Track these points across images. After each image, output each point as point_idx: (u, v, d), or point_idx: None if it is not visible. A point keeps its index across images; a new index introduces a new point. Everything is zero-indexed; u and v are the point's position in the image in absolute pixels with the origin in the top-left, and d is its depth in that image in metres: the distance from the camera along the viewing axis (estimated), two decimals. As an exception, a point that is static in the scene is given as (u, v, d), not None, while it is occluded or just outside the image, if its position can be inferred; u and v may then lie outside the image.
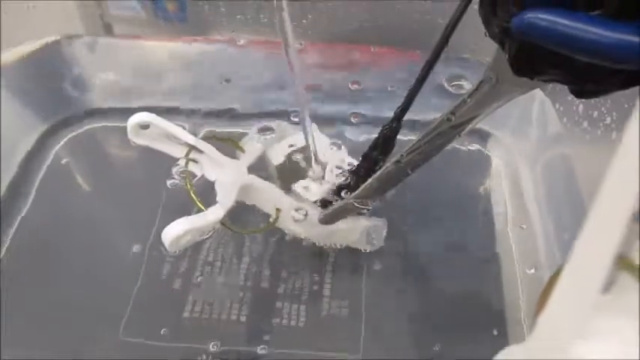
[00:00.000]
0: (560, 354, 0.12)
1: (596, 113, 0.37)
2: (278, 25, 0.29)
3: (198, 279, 0.40)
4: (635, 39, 0.19)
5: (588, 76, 0.21)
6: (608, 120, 0.35)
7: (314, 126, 0.41)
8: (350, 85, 0.48)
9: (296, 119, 0.45)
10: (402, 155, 0.31)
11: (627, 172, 0.11)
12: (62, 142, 0.47)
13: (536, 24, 0.20)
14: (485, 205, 0.45)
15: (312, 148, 0.35)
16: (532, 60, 0.22)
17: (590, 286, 0.12)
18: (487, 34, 0.23)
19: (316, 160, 0.38)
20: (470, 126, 0.29)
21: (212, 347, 0.37)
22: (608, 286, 0.13)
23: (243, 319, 0.38)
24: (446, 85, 0.46)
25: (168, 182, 0.44)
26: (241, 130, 0.46)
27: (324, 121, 0.45)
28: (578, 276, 0.12)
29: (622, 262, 0.12)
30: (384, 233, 0.40)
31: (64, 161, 0.46)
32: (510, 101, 0.27)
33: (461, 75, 0.46)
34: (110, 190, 0.45)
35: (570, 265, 0.12)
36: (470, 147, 0.48)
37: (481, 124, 0.47)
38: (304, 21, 0.46)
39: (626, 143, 0.11)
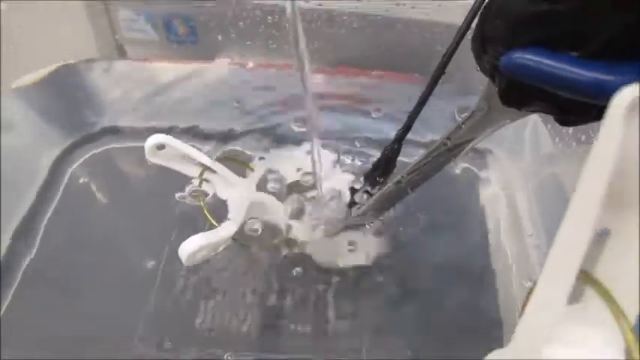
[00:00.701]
0: (534, 355, 0.14)
1: (584, 137, 0.39)
2: (296, 59, 0.31)
3: (210, 292, 0.42)
4: (608, 78, 0.21)
5: (569, 109, 0.24)
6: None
7: (320, 147, 0.44)
8: (354, 107, 0.50)
9: (302, 129, 0.47)
10: (402, 176, 0.34)
11: (587, 200, 0.13)
12: (80, 161, 0.50)
13: (522, 63, 0.22)
14: (481, 220, 0.47)
15: (317, 173, 0.38)
16: (519, 93, 0.24)
17: (558, 299, 0.14)
18: (478, 68, 0.26)
19: (321, 182, 0.40)
20: (465, 149, 0.31)
21: (226, 357, 0.38)
22: (575, 298, 0.15)
23: (252, 330, 0.40)
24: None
25: (181, 200, 0.46)
26: (251, 150, 0.48)
27: (329, 142, 0.48)
28: (547, 290, 0.14)
29: (586, 277, 0.15)
30: (383, 250, 0.42)
31: (81, 179, 0.49)
32: (502, 127, 0.30)
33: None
34: (126, 206, 0.48)
35: (541, 280, 0.14)
36: (466, 165, 0.50)
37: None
38: (310, 47, 0.49)
39: (585, 173, 0.13)
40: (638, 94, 0.12)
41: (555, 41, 0.22)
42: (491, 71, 0.25)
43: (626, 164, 0.13)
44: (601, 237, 0.15)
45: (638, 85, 0.13)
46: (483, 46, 0.24)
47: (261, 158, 0.46)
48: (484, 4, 0.25)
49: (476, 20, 0.25)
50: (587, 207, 0.13)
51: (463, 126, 0.30)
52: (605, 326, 0.14)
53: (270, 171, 0.43)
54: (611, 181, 0.13)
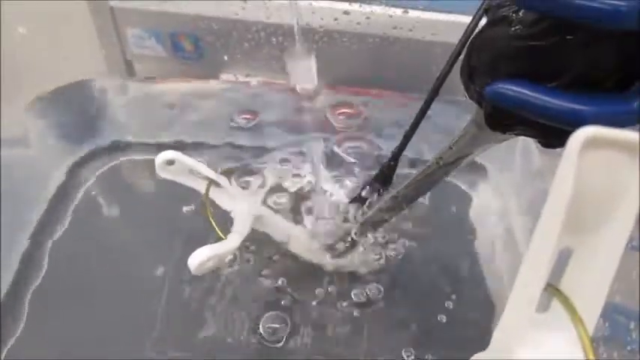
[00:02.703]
0: (507, 357, 0.17)
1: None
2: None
3: (217, 300, 0.44)
4: (582, 108, 0.23)
5: (549, 134, 0.26)
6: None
7: (320, 165, 0.46)
8: (354, 124, 0.53)
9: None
10: (398, 191, 0.36)
11: (550, 223, 0.15)
12: (90, 174, 0.52)
13: (504, 94, 0.24)
14: (474, 232, 0.49)
15: (317, 188, 0.40)
16: (503, 119, 0.27)
17: (528, 307, 0.16)
18: (466, 95, 0.28)
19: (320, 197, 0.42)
20: (456, 167, 0.34)
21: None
22: (544, 307, 0.17)
23: (257, 336, 0.42)
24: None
25: (188, 212, 0.48)
26: (255, 164, 0.50)
27: (329, 159, 0.51)
28: (519, 300, 0.16)
29: (552, 289, 0.17)
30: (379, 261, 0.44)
31: (93, 193, 0.51)
32: (490, 147, 0.32)
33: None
34: (135, 218, 0.50)
35: (513, 291, 0.17)
36: (460, 178, 0.52)
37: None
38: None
39: (548, 200, 0.15)
40: (591, 134, 0.15)
41: (535, 73, 0.24)
42: (478, 99, 0.27)
43: (583, 194, 0.15)
44: (565, 255, 0.17)
45: (593, 126, 0.15)
46: (470, 76, 0.26)
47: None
48: (472, 36, 0.27)
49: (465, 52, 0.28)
50: (550, 229, 0.15)
51: (453, 147, 0.32)
52: (568, 331, 0.16)
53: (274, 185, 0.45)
54: (572, 208, 0.15)
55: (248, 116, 0.53)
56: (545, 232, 0.15)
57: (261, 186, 0.45)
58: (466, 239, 0.48)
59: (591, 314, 0.16)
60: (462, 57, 0.28)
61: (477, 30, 0.27)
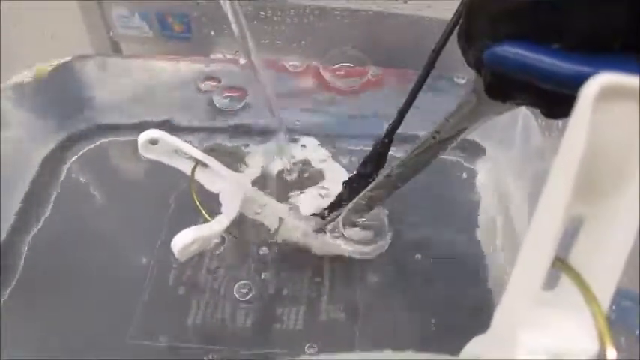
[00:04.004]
0: (510, 340, 0.15)
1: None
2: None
3: (203, 285, 0.42)
4: (588, 70, 0.21)
5: (553, 101, 0.24)
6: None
7: (314, 141, 0.44)
8: (346, 103, 0.51)
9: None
10: (392, 169, 0.34)
11: (559, 188, 0.13)
12: (74, 157, 0.50)
13: (505, 56, 0.22)
14: (474, 214, 0.47)
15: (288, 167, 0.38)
16: (504, 86, 0.25)
17: (533, 284, 0.14)
18: (465, 62, 0.26)
19: (313, 173, 0.40)
20: (454, 142, 0.32)
21: (216, 351, 0.39)
22: (552, 284, 0.16)
23: (245, 323, 0.40)
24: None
25: (174, 195, 0.46)
26: (244, 145, 0.48)
27: (322, 138, 0.49)
28: (522, 276, 0.15)
29: (561, 264, 0.15)
30: (377, 243, 0.42)
31: (75, 175, 0.49)
32: (489, 120, 0.30)
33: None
34: (120, 201, 0.48)
35: (517, 266, 0.15)
36: (458, 159, 0.50)
37: (469, 136, 0.50)
38: (303, 42, 0.49)
39: (557, 161, 0.14)
40: (607, 82, 0.13)
41: (537, 34, 0.22)
42: (477, 65, 0.25)
43: (596, 153, 0.13)
44: (576, 224, 0.15)
45: (607, 74, 0.13)
46: (468, 40, 0.25)
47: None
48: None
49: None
50: (558, 195, 0.13)
51: (451, 120, 0.30)
52: (579, 311, 0.14)
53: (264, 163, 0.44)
54: (583, 170, 0.13)
55: (234, 93, 0.51)
56: (554, 198, 0.13)
57: (251, 167, 0.43)
58: (466, 221, 0.47)
59: (605, 291, 0.14)
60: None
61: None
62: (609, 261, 0.14)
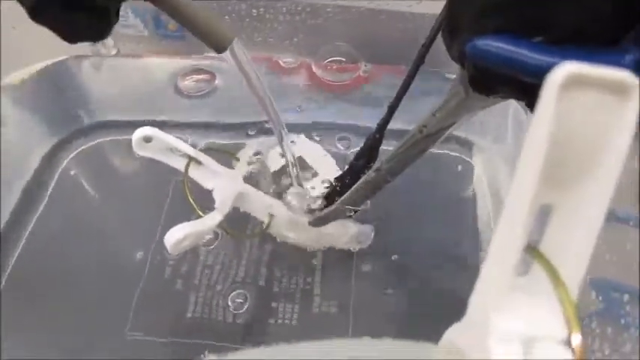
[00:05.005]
0: (483, 325, 0.15)
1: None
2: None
3: (199, 281, 0.42)
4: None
5: (537, 94, 0.24)
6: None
7: (304, 137, 0.45)
8: (338, 98, 0.51)
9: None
10: (381, 163, 0.34)
11: (526, 176, 0.14)
12: (71, 155, 0.50)
13: (487, 50, 0.23)
14: (469, 209, 0.47)
15: (292, 161, 0.38)
16: (487, 80, 0.25)
17: (505, 271, 0.15)
18: (450, 56, 0.26)
19: (305, 170, 0.40)
20: (442, 136, 0.32)
21: (212, 345, 0.39)
22: (525, 270, 0.16)
23: (240, 317, 0.41)
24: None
25: (169, 191, 0.47)
26: (237, 142, 0.49)
27: (314, 133, 0.49)
28: (495, 263, 0.15)
29: (532, 251, 0.15)
30: (372, 236, 0.43)
31: (72, 172, 0.49)
32: (477, 114, 0.30)
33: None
34: (116, 198, 0.48)
35: (489, 254, 0.15)
36: (453, 154, 0.50)
37: (462, 132, 0.50)
38: (295, 39, 0.50)
39: (524, 150, 0.14)
40: (573, 72, 0.13)
41: (522, 27, 0.22)
42: (460, 59, 0.25)
43: (563, 142, 0.13)
44: (546, 212, 0.15)
45: (572, 63, 0.13)
46: (451, 34, 0.25)
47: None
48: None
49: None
50: (526, 183, 0.14)
51: (437, 114, 0.30)
52: (551, 297, 0.15)
53: (256, 159, 0.44)
54: (551, 158, 0.13)
55: (231, 92, 0.52)
56: (522, 187, 0.14)
57: (244, 163, 0.43)
58: (461, 215, 0.47)
59: (574, 277, 0.15)
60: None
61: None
62: (578, 248, 0.14)
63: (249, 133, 0.50)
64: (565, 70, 0.13)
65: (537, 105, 0.13)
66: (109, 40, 0.57)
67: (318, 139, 0.49)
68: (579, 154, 0.14)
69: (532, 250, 0.15)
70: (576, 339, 0.14)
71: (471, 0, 0.23)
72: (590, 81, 0.13)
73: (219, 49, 0.30)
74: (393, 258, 0.43)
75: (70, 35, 0.26)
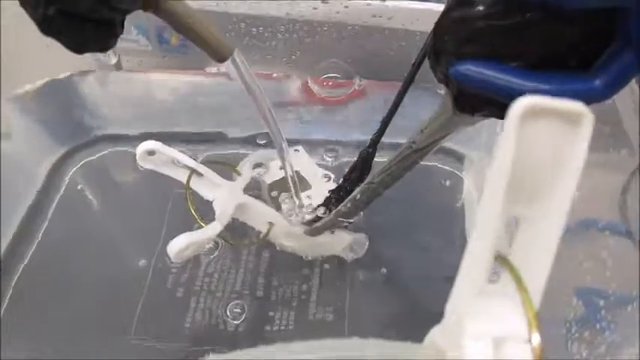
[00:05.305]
0: (458, 326, 0.17)
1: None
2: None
3: (199, 288, 0.44)
4: (544, 87, 0.24)
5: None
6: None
7: (304, 153, 0.47)
8: (333, 113, 0.53)
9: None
10: (374, 176, 0.36)
11: (493, 194, 0.16)
12: (76, 167, 0.52)
13: (467, 74, 0.25)
14: (459, 219, 0.49)
15: (291, 174, 0.40)
16: (470, 100, 0.27)
17: (478, 278, 0.17)
18: (435, 78, 0.28)
19: (302, 182, 0.42)
20: (431, 150, 0.34)
21: (212, 350, 0.41)
22: (495, 277, 0.18)
23: (239, 323, 0.42)
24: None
25: (171, 202, 0.49)
26: (237, 154, 0.51)
27: (310, 146, 0.51)
28: (469, 271, 0.17)
29: (502, 260, 0.17)
30: (366, 245, 0.44)
31: (78, 183, 0.51)
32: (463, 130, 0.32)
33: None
34: (120, 208, 0.50)
35: (464, 261, 0.17)
36: (445, 167, 0.52)
37: (455, 145, 0.52)
38: (293, 57, 0.52)
39: (491, 171, 0.16)
40: (531, 103, 0.15)
41: (498, 53, 0.24)
42: (445, 81, 0.27)
43: (526, 163, 0.15)
44: (514, 225, 0.17)
45: (531, 96, 0.15)
46: (436, 59, 0.27)
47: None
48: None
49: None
50: (494, 199, 0.15)
51: (425, 130, 0.32)
52: (516, 300, 0.16)
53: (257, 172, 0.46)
54: (515, 177, 0.15)
55: (231, 107, 0.53)
56: (490, 202, 0.16)
57: (243, 175, 0.45)
58: (452, 226, 0.49)
59: (537, 283, 0.16)
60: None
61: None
62: (540, 256, 0.16)
63: (249, 146, 0.52)
64: (525, 102, 0.15)
65: (502, 132, 0.15)
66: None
67: (313, 152, 0.51)
68: (540, 174, 0.16)
69: (502, 259, 0.17)
70: (536, 339, 0.15)
71: (452, 30, 0.25)
72: (547, 111, 0.15)
73: (221, 59, 0.31)
74: (385, 268, 0.45)
75: (77, 46, 0.27)
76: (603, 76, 0.24)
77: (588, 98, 0.25)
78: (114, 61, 0.56)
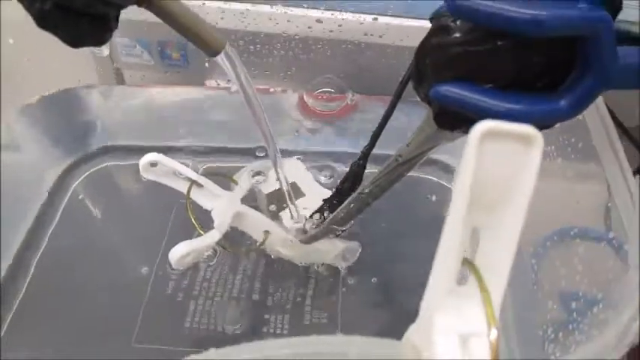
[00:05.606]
0: (429, 322, 0.19)
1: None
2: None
3: (198, 293, 0.46)
4: (514, 107, 0.26)
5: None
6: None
7: (300, 163, 0.49)
8: (327, 126, 0.56)
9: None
10: (363, 187, 0.38)
11: (457, 206, 0.18)
12: (81, 177, 0.55)
13: (447, 95, 0.27)
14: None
15: (285, 187, 0.42)
16: (449, 118, 0.29)
17: (446, 280, 0.19)
18: (418, 97, 0.30)
19: (297, 192, 0.44)
20: (417, 163, 0.36)
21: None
22: (463, 280, 0.20)
23: (236, 327, 0.44)
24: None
25: (172, 212, 0.51)
26: (235, 166, 0.53)
27: (305, 158, 0.54)
28: (438, 274, 0.19)
29: (468, 264, 0.19)
30: (358, 252, 0.47)
31: (82, 193, 0.54)
32: (446, 144, 0.34)
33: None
34: (123, 218, 0.52)
35: (434, 265, 0.19)
36: (432, 177, 0.54)
37: (443, 157, 0.54)
38: (289, 72, 0.54)
39: (455, 185, 0.18)
40: (488, 127, 0.17)
41: (473, 76, 0.26)
42: (426, 100, 0.29)
43: (484, 179, 0.17)
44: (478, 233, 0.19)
45: (488, 121, 0.17)
46: (418, 80, 0.29)
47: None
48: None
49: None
50: (458, 210, 0.18)
51: (410, 145, 0.34)
52: (478, 300, 0.19)
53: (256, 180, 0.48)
54: (477, 191, 0.18)
55: (230, 119, 0.56)
56: (455, 213, 0.18)
57: (241, 186, 0.47)
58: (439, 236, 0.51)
59: (498, 284, 0.18)
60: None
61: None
62: (500, 261, 0.18)
63: (247, 158, 0.54)
64: (483, 125, 0.17)
65: (464, 152, 0.18)
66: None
67: (307, 163, 0.53)
68: (497, 189, 0.18)
69: (468, 263, 0.19)
70: (493, 334, 0.17)
71: (432, 54, 0.27)
72: (502, 134, 0.17)
73: (213, 53, 0.31)
74: (375, 275, 0.47)
75: (73, 40, 0.27)
76: (568, 98, 0.26)
77: (555, 117, 0.27)
78: (106, 53, 0.58)
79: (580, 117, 0.33)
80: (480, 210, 0.18)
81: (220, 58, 0.32)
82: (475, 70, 0.26)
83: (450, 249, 0.18)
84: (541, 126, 0.29)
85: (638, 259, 0.26)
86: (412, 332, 0.21)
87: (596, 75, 0.25)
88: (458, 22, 0.26)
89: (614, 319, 0.23)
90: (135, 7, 0.29)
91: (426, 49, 0.28)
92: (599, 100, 0.34)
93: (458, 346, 0.19)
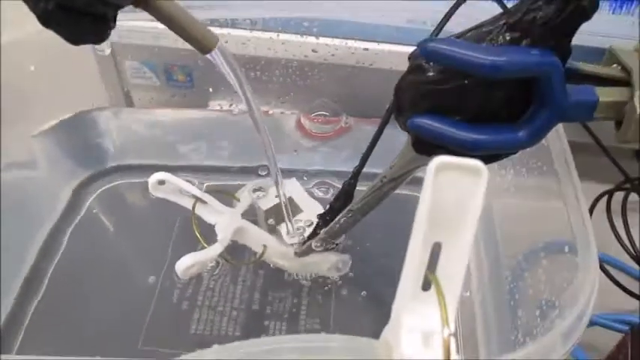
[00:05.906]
0: (398, 322, 0.23)
1: (512, 171, 0.47)
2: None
3: (202, 302, 0.50)
4: (479, 137, 0.30)
5: (461, 157, 0.32)
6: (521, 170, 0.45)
7: (295, 182, 0.53)
8: (322, 146, 0.60)
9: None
10: (353, 205, 0.42)
11: (419, 225, 0.21)
12: (94, 194, 0.59)
13: (422, 125, 0.31)
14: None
15: (284, 199, 0.46)
16: (425, 145, 0.33)
17: (413, 287, 0.22)
18: (398, 126, 0.34)
19: (294, 208, 0.48)
20: (401, 183, 0.40)
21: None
22: (428, 285, 0.24)
23: (237, 334, 0.48)
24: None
25: (177, 226, 0.55)
26: (237, 183, 0.57)
27: (302, 176, 0.58)
28: (405, 282, 0.23)
29: (430, 273, 0.23)
30: (349, 264, 0.50)
31: (95, 209, 0.57)
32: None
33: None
34: (132, 231, 0.56)
35: (403, 273, 0.23)
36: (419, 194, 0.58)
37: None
38: (287, 97, 0.58)
39: (418, 207, 0.22)
40: (441, 161, 0.21)
41: (444, 110, 0.30)
42: (406, 129, 0.33)
43: (441, 203, 0.21)
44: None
45: (442, 156, 0.21)
46: (398, 111, 0.33)
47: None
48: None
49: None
50: (419, 228, 0.21)
51: (394, 167, 0.38)
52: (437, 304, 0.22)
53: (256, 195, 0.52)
54: (435, 213, 0.21)
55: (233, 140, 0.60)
56: (417, 231, 0.22)
57: (242, 202, 0.51)
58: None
59: (453, 292, 0.22)
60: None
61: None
62: (455, 272, 0.22)
63: (249, 176, 0.58)
64: (438, 160, 0.21)
65: (424, 182, 0.21)
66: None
67: (303, 181, 0.58)
68: (452, 211, 0.22)
69: (430, 273, 0.23)
70: (446, 332, 0.21)
71: (408, 90, 0.31)
72: (454, 166, 0.21)
73: (206, 50, 0.33)
74: (367, 283, 0.51)
75: (75, 38, 0.29)
76: (527, 129, 0.30)
77: (515, 146, 0.31)
78: (108, 52, 0.60)
79: (544, 143, 0.37)
80: (438, 228, 0.22)
81: (213, 55, 0.34)
82: (446, 104, 0.30)
83: (414, 262, 0.22)
84: (505, 153, 0.33)
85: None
86: (386, 331, 0.25)
87: (551, 109, 0.29)
88: (431, 63, 0.30)
89: (559, 321, 0.26)
90: (142, 36, 0.31)
91: (404, 85, 0.32)
92: (560, 128, 0.38)
93: (421, 343, 0.22)
